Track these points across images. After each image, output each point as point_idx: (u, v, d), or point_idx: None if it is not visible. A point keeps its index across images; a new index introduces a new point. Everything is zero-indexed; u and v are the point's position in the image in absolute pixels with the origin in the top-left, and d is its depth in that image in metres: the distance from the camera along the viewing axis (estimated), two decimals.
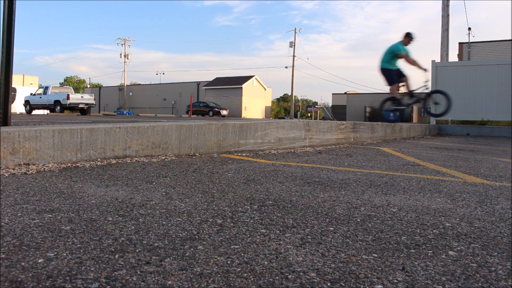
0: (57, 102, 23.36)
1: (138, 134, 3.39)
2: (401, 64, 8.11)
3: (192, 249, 1.27)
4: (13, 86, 5.78)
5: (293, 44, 47.50)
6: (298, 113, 61.82)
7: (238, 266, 1.15)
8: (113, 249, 1.24)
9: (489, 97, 12.09)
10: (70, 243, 1.28)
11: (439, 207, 1.97)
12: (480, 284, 1.08)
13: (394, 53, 7.99)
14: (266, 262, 1.18)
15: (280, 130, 4.82)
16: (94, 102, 24.46)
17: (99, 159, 3.08)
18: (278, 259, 1.21)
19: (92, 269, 1.09)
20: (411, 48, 7.68)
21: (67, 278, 1.03)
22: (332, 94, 49.89)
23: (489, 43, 25.39)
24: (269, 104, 55.28)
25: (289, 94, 57.15)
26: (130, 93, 57.18)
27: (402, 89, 8.76)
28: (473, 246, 1.39)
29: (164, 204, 1.85)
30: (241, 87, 46.10)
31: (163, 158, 3.45)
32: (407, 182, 2.69)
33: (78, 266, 1.11)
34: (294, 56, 47.17)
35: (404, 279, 1.10)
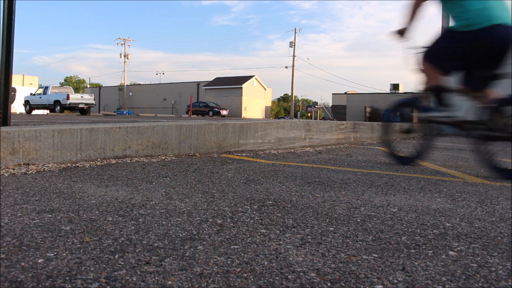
0: (57, 102, 23.36)
1: (138, 134, 3.39)
2: None
3: (192, 249, 1.27)
4: (13, 86, 5.78)
5: (293, 44, 47.51)
6: (298, 113, 61.83)
7: (238, 266, 1.15)
8: (113, 249, 1.24)
9: None
10: (70, 243, 1.28)
11: (439, 207, 1.97)
12: (480, 284, 1.08)
13: None
14: (266, 262, 1.18)
15: (280, 130, 4.83)
16: (94, 102, 24.47)
17: (99, 159, 3.08)
18: (278, 259, 1.21)
19: (92, 269, 1.09)
20: None
21: (67, 278, 1.03)
22: (332, 94, 49.91)
23: None
24: (269, 104, 55.30)
25: (289, 94, 57.18)
26: (130, 93, 57.18)
27: None
28: (473, 246, 1.39)
29: (164, 204, 1.85)
30: (241, 87, 46.11)
31: (163, 158, 3.45)
32: (407, 182, 2.69)
33: (78, 266, 1.11)
34: (294, 56, 47.18)
35: (404, 279, 1.10)
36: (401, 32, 3.22)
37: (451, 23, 2.92)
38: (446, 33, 2.93)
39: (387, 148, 3.70)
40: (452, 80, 3.19)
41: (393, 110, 3.82)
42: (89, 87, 71.91)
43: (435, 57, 2.99)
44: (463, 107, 3.31)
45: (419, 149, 3.39)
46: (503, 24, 2.66)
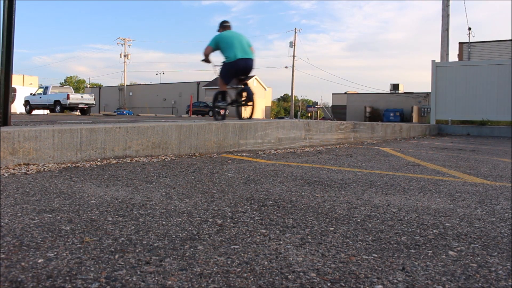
0: (57, 102, 23.35)
1: (138, 134, 3.39)
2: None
3: (192, 249, 1.27)
4: (13, 86, 5.78)
5: (293, 44, 47.49)
6: (298, 113, 61.80)
7: (238, 266, 1.15)
8: (113, 249, 1.24)
9: (489, 97, 12.09)
10: (70, 243, 1.28)
11: (439, 207, 1.97)
12: (480, 284, 1.08)
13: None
14: (266, 262, 1.18)
15: (280, 130, 4.82)
16: (94, 102, 24.46)
17: (99, 159, 3.08)
18: (278, 259, 1.21)
19: (92, 269, 1.09)
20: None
21: (67, 278, 1.03)
22: (332, 94, 49.90)
23: (489, 43, 25.40)
24: (269, 104, 55.27)
25: (289, 94, 57.19)
26: (130, 93, 57.19)
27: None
28: (473, 246, 1.39)
29: (164, 204, 1.85)
30: None
31: (163, 158, 3.45)
32: (407, 182, 2.69)
33: (78, 266, 1.11)
34: (294, 56, 47.17)
35: (404, 279, 1.10)
36: (206, 60, 6.06)
37: (223, 59, 5.93)
38: (223, 64, 5.90)
39: (212, 111, 6.73)
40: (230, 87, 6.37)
41: (215, 98, 6.32)
42: (89, 87, 71.91)
43: (223, 75, 5.94)
44: (228, 97, 6.36)
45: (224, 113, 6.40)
46: (243, 58, 5.70)
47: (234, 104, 6.13)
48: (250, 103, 5.87)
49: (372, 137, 7.28)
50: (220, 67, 5.99)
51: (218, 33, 5.90)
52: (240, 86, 6.02)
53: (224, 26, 5.97)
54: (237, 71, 5.74)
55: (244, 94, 5.99)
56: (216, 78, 6.24)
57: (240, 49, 5.60)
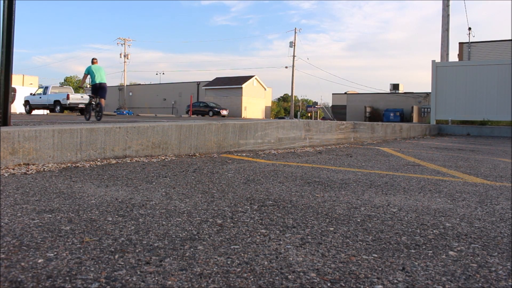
0: (57, 102, 23.35)
1: (138, 134, 3.39)
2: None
3: (192, 249, 1.27)
4: (13, 86, 5.80)
5: (293, 44, 47.51)
6: (298, 113, 61.81)
7: (238, 266, 1.15)
8: (113, 249, 1.24)
9: (489, 97, 12.10)
10: (70, 243, 1.28)
11: (439, 207, 1.97)
12: (480, 284, 1.08)
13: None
14: (266, 262, 1.18)
15: (280, 130, 4.83)
16: None
17: (99, 159, 3.08)
18: (278, 259, 1.21)
19: (92, 269, 1.09)
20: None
21: (67, 278, 1.03)
22: (332, 94, 49.91)
23: (489, 43, 25.40)
24: (269, 104, 55.31)
25: (289, 94, 57.22)
26: (130, 93, 57.21)
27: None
28: (473, 246, 1.39)
29: (164, 204, 1.85)
30: (241, 87, 46.12)
31: (163, 158, 3.45)
32: (407, 182, 2.69)
33: (78, 266, 1.11)
34: (294, 56, 47.19)
35: (404, 279, 1.10)
36: (81, 87, 12.04)
37: (91, 82, 10.47)
38: (91, 86, 10.40)
39: (87, 114, 10.54)
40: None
41: (86, 106, 10.86)
42: (89, 87, 71.99)
43: (92, 91, 10.39)
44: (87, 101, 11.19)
45: (89, 116, 10.47)
46: (100, 82, 10.19)
47: (93, 110, 10.21)
48: (100, 114, 9.89)
49: (372, 137, 7.28)
50: (91, 88, 10.36)
51: (90, 65, 10.25)
52: (97, 100, 10.11)
53: (93, 61, 10.31)
54: (97, 89, 10.06)
55: (98, 106, 10.13)
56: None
57: (99, 77, 10.08)
